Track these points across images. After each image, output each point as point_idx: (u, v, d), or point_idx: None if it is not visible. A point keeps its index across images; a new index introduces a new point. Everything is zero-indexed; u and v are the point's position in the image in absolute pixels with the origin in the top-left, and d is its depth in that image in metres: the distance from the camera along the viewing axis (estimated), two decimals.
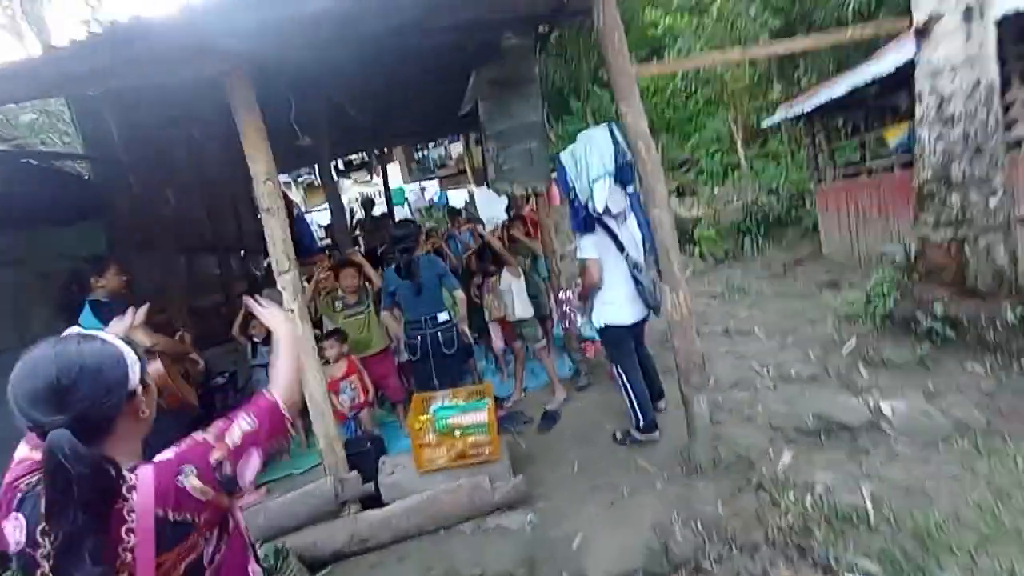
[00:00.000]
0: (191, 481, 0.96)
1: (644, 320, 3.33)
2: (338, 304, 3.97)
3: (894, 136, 5.57)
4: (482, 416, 2.85)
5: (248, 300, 1.46)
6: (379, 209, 8.10)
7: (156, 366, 2.93)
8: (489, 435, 2.85)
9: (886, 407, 2.91)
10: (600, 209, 3.06)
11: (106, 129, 4.40)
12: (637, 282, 3.11)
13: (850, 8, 7.53)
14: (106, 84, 2.63)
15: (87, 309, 2.76)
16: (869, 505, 2.27)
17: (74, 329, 1.02)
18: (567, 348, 4.73)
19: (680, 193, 10.01)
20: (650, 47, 10.87)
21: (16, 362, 0.94)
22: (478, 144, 14.36)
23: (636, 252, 3.19)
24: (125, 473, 0.93)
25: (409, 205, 12.57)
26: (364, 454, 2.98)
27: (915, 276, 3.71)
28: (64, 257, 3.94)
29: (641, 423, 3.17)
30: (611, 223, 3.14)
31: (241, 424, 1.07)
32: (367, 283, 4.00)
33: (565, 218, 10.58)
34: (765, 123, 8.16)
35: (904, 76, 4.01)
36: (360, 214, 9.07)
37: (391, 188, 8.68)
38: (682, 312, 2.79)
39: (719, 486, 2.64)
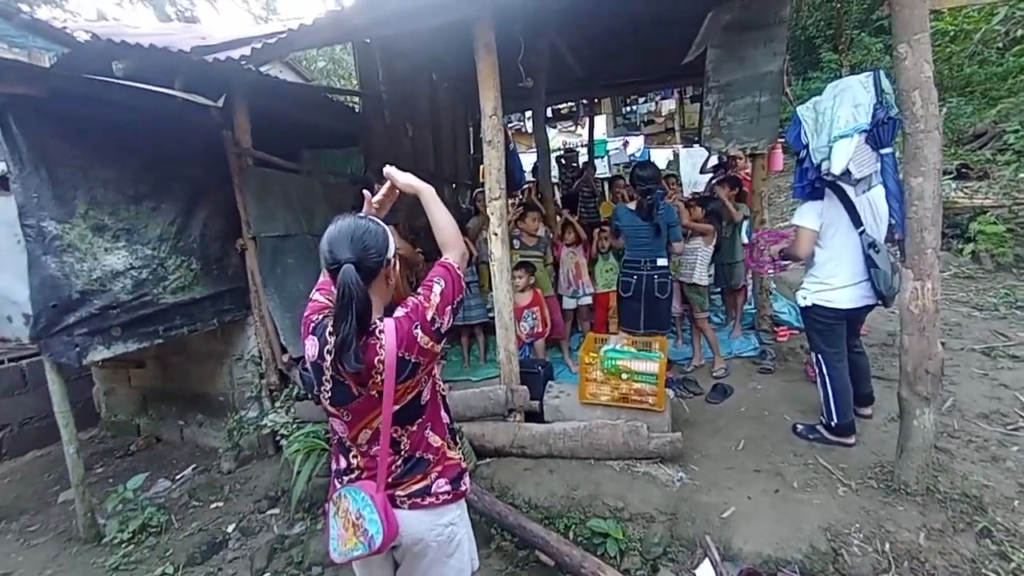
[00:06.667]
0: (419, 333, 1.30)
1: (866, 309, 2.81)
2: (516, 243, 4.25)
3: None
4: (652, 366, 2.84)
5: (388, 168, 1.56)
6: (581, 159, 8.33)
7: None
8: (656, 386, 2.84)
9: None
10: (837, 171, 2.58)
11: (374, 71, 5.40)
12: (871, 264, 2.62)
13: None
14: (380, 32, 3.20)
15: None
16: None
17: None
18: (755, 327, 4.30)
19: (962, 174, 7.73)
20: None
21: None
22: (693, 101, 13.30)
23: (876, 228, 2.67)
24: (375, 320, 1.30)
25: (609, 158, 12.36)
26: (534, 375, 3.26)
27: None
28: (335, 173, 5.07)
29: (835, 422, 2.77)
30: (849, 191, 2.67)
31: (436, 287, 1.36)
32: (549, 232, 4.24)
33: (783, 192, 9.27)
34: None
35: None
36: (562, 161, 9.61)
37: (594, 139, 8.64)
38: (923, 305, 2.27)
39: (927, 516, 2.19)
